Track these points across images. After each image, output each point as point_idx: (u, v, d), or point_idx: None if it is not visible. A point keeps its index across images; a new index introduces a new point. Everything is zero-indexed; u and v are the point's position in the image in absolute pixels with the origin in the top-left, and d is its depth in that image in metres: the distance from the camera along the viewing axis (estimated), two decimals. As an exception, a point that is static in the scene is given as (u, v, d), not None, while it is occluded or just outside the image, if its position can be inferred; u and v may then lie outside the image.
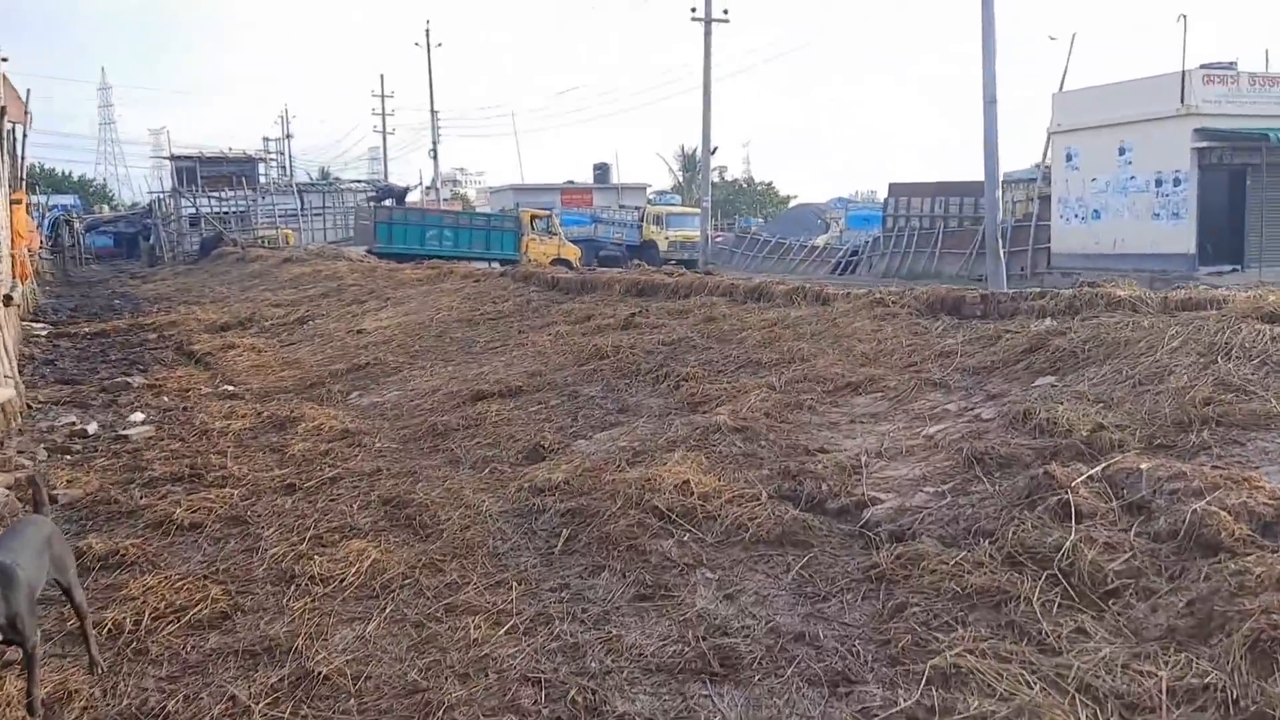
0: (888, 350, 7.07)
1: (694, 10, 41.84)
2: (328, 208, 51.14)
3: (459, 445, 6.59)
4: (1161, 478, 4.01)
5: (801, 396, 6.42)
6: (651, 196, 64.62)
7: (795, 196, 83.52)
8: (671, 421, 6.28)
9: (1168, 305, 6.23)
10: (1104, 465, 4.26)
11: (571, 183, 61.58)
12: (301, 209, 52.88)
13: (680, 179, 79.25)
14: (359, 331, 12.76)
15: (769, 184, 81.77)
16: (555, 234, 34.34)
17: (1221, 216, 26.02)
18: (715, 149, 76.64)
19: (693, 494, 4.87)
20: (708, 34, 41.96)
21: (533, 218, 34.97)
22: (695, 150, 79.22)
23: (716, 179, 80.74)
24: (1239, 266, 25.05)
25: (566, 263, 34.11)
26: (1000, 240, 21.43)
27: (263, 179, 53.40)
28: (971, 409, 5.73)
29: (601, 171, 61.22)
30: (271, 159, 57.77)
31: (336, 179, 60.72)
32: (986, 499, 4.33)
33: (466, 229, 33.45)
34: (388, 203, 52.92)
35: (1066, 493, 4.02)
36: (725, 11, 42.30)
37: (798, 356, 7.35)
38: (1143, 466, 4.14)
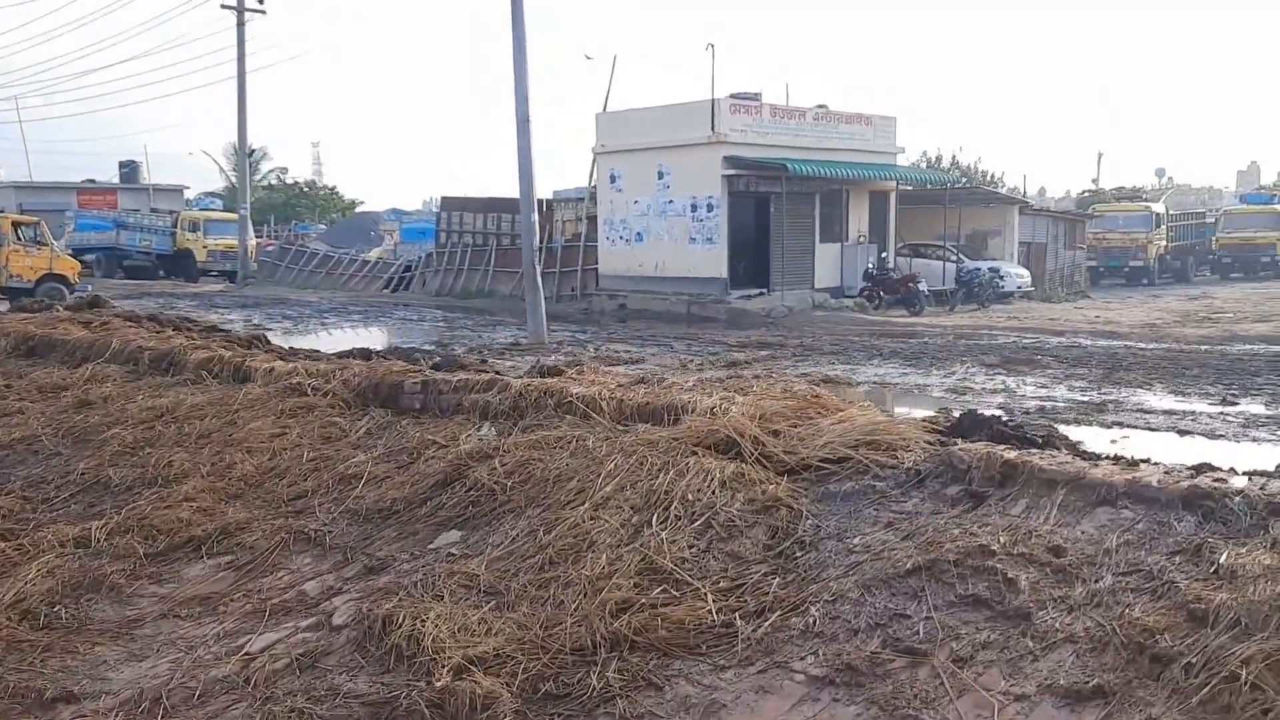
0: (280, 469, 5.13)
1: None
2: None
3: None
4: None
5: (115, 565, 4.26)
6: (198, 199, 58.38)
7: (361, 202, 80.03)
8: None
9: (623, 413, 4.88)
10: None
11: (92, 181, 53.84)
12: None
13: (233, 180, 72.83)
14: None
15: (332, 188, 77.50)
16: (46, 244, 28.93)
17: (750, 242, 27.20)
18: (254, 151, 71.33)
19: None
20: (240, 24, 38.09)
21: (15, 224, 29.24)
22: (253, 150, 73.28)
23: (275, 180, 75.24)
24: (765, 290, 26.26)
25: (62, 279, 28.87)
26: (538, 263, 20.34)
27: None
28: (338, 591, 3.92)
29: (129, 170, 54.13)
30: None
31: None
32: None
33: (-89, 238, 27.18)
34: None
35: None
36: (261, 1, 38.72)
37: (163, 475, 5.22)
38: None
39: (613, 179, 28.10)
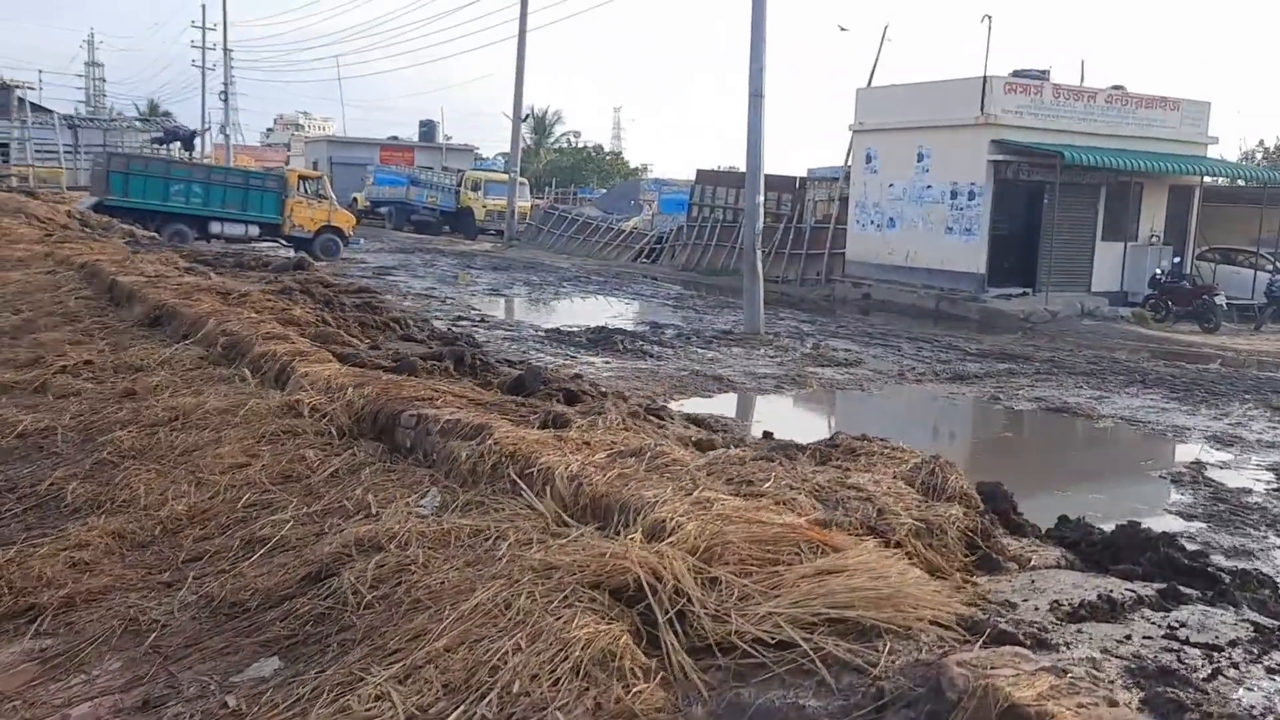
0: (209, 513, 4.31)
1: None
2: (109, 146, 45.94)
3: None
4: None
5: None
6: (493, 158, 61.12)
7: (648, 168, 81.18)
8: None
9: (576, 503, 3.65)
10: None
11: (395, 139, 57.53)
12: (76, 145, 47.64)
13: (530, 141, 75.80)
14: None
15: (618, 153, 79.00)
16: (326, 197, 30.80)
17: (1018, 236, 24.49)
18: (545, 113, 73.55)
19: None
20: (521, -11, 38.83)
21: (301, 178, 31.32)
22: (546, 111, 76.01)
23: (566, 144, 77.69)
24: (1029, 290, 23.57)
25: (338, 231, 30.74)
26: (759, 248, 19.01)
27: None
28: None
29: (427, 129, 57.36)
30: (29, 88, 51.60)
31: (120, 114, 55.16)
32: None
33: (220, 186, 29.60)
34: (174, 146, 48.19)
35: None
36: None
37: (111, 500, 4.58)
38: None
39: (868, 159, 26.14)
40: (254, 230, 29.66)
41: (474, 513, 3.83)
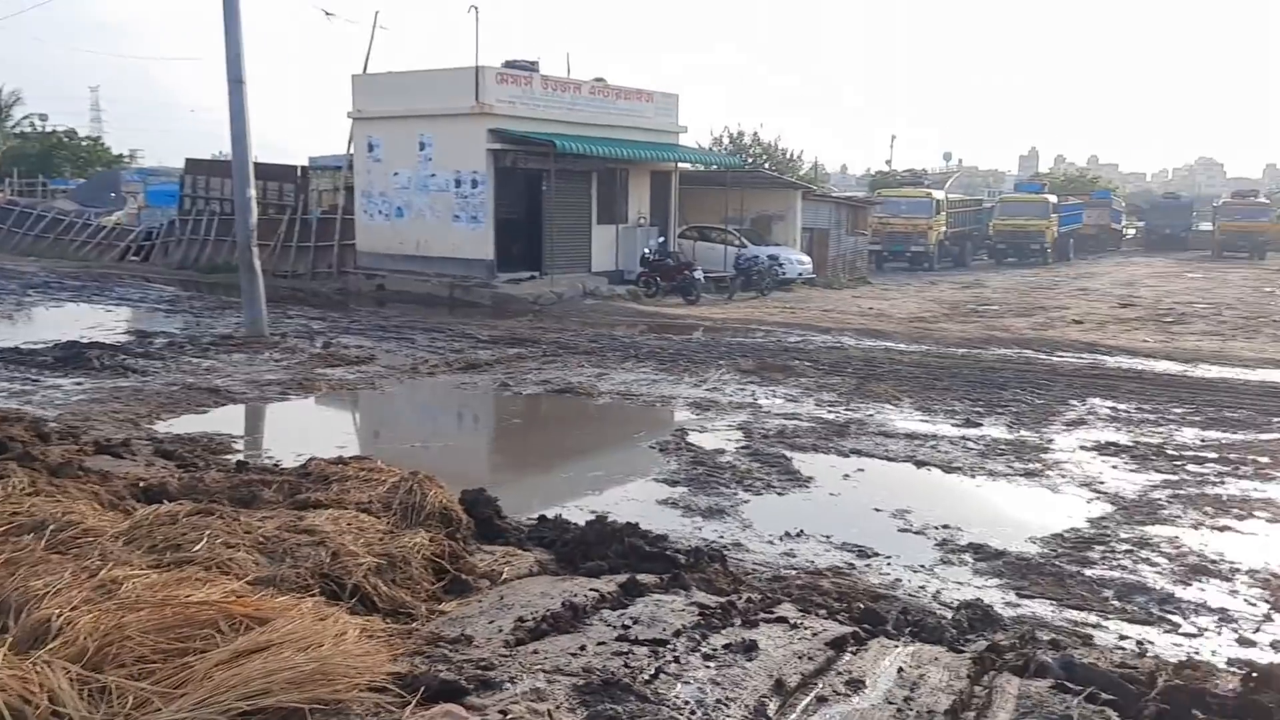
0: None
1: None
2: None
3: None
4: None
5: None
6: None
7: (135, 155, 73.41)
8: None
9: None
10: None
11: None
12: None
13: (-13, 125, 65.07)
14: None
15: (97, 139, 70.59)
16: None
17: (523, 222, 25.43)
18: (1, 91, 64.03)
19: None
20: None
21: None
22: (1, 90, 65.69)
23: (30, 129, 67.90)
24: (537, 273, 24.58)
25: None
26: (255, 244, 17.87)
27: None
28: None
29: None
30: None
31: None
32: None
33: None
34: None
35: None
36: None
37: None
38: None
39: (371, 147, 25.67)
40: None
41: None
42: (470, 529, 4.89)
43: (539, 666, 3.22)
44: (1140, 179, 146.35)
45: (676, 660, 3.44)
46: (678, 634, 3.69)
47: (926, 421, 11.83)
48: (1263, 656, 5.23)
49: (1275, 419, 12.27)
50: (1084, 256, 48.35)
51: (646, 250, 25.46)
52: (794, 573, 6.37)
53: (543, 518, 5.34)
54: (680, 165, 28.64)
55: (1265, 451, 10.50)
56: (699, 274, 24.58)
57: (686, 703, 3.08)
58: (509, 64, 25.07)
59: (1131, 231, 63.15)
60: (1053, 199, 46.81)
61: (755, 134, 49.13)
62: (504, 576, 4.34)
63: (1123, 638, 5.66)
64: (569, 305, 23.00)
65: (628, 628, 3.75)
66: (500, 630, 3.68)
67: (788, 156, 49.39)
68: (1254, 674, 3.33)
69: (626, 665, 3.34)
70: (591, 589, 4.20)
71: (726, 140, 48.37)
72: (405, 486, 4.84)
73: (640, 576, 4.39)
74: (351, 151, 26.85)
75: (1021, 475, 9.56)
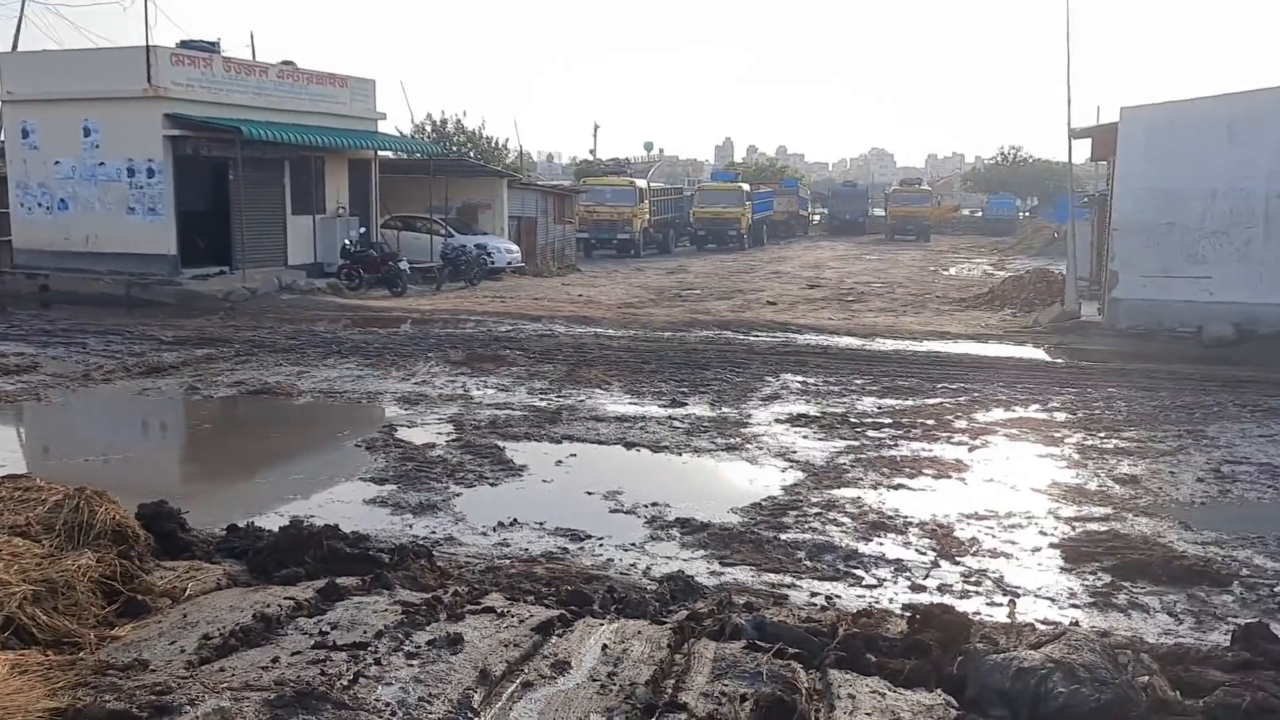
0: None
1: None
2: None
3: None
4: None
5: None
6: None
7: None
8: None
9: None
10: None
11: None
12: None
13: None
14: None
15: None
16: None
17: (208, 213, 23.76)
18: None
19: None
20: None
21: None
22: None
23: None
24: (226, 268, 23.06)
25: None
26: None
27: None
28: None
29: None
30: None
31: None
32: None
33: None
34: None
35: None
36: None
37: None
38: None
39: (25, 134, 23.07)
40: None
41: None
42: (149, 545, 4.50)
43: (225, 685, 3.00)
44: (824, 168, 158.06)
45: (378, 662, 3.31)
46: (379, 635, 3.56)
47: (635, 404, 12.17)
48: (930, 599, 5.78)
49: (939, 384, 13.65)
50: (776, 241, 51.69)
51: (347, 241, 24.56)
52: (508, 562, 6.36)
53: (233, 527, 5.00)
54: (381, 153, 27.80)
55: (930, 415, 11.65)
56: (404, 265, 24.01)
57: (388, 704, 2.97)
58: (185, 44, 23.32)
59: (817, 218, 68.37)
60: (746, 187, 49.64)
61: (459, 121, 48.55)
62: (188, 593, 4.02)
63: (813, 594, 6.07)
64: (264, 301, 21.78)
65: (325, 634, 3.58)
66: (182, 651, 3.40)
67: (493, 145, 49.19)
68: (918, 616, 3.66)
69: (323, 673, 3.17)
70: (287, 597, 3.98)
71: (429, 128, 47.46)
72: (70, 505, 4.37)
73: (340, 580, 4.20)
74: (2, 139, 24.01)
75: (724, 450, 10.05)
